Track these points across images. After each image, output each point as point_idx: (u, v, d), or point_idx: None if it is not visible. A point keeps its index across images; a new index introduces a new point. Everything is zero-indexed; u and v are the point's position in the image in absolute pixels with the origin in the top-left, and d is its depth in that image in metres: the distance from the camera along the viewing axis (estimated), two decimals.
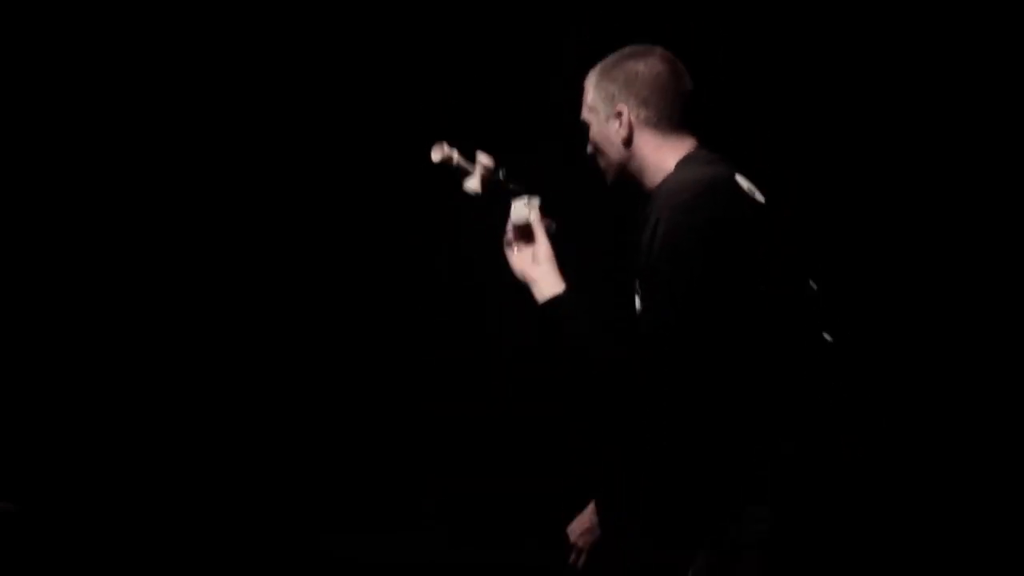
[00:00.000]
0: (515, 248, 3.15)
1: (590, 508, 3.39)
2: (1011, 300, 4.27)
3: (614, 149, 3.16)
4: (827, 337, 3.07)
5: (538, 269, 3.12)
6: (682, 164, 3.13)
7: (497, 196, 3.17)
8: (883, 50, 4.35)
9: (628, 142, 3.16)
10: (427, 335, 4.89)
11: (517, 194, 3.16)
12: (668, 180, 3.08)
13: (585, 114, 3.19)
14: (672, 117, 3.17)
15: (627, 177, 3.18)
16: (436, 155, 3.24)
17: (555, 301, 3.07)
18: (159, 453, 4.91)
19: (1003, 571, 4.22)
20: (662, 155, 3.16)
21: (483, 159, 3.22)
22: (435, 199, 4.86)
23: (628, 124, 3.16)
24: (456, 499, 4.86)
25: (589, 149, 3.20)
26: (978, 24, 4.28)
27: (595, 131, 3.18)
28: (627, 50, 3.20)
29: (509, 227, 3.16)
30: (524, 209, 3.14)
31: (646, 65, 3.18)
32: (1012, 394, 4.26)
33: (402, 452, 4.92)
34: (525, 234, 3.14)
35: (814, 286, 3.07)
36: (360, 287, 4.92)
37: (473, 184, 3.22)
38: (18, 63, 4.90)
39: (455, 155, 3.22)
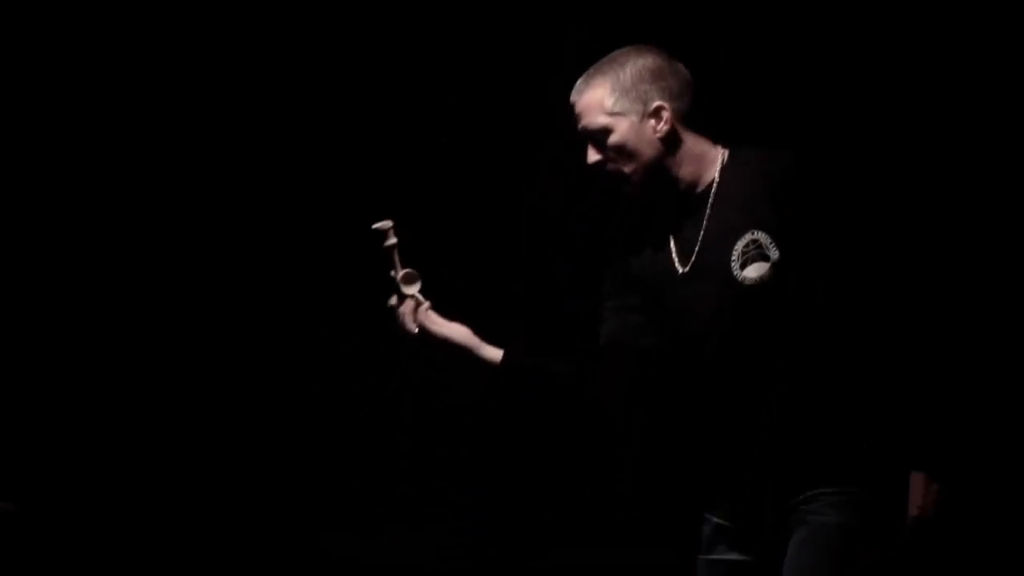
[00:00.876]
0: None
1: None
2: (1013, 300, 4.27)
3: (652, 148, 3.03)
4: None
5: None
6: (736, 148, 3.14)
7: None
8: (884, 50, 4.35)
9: (668, 139, 3.05)
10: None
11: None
12: (760, 157, 3.12)
13: (603, 121, 3.04)
14: (692, 108, 3.10)
15: (659, 177, 3.06)
16: (380, 225, 3.29)
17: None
18: (159, 453, 4.90)
19: (1004, 571, 4.22)
20: (702, 146, 3.09)
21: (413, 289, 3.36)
22: (433, 199, 4.87)
23: (670, 120, 3.06)
24: (456, 499, 4.86)
25: (597, 158, 3.06)
26: (979, 24, 4.28)
27: (624, 135, 3.02)
28: (627, 50, 3.08)
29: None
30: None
31: (662, 59, 3.07)
32: (1013, 394, 4.25)
33: (402, 451, 4.91)
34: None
35: None
36: (359, 286, 4.91)
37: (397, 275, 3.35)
38: (17, 63, 4.91)
39: (395, 241, 3.31)
